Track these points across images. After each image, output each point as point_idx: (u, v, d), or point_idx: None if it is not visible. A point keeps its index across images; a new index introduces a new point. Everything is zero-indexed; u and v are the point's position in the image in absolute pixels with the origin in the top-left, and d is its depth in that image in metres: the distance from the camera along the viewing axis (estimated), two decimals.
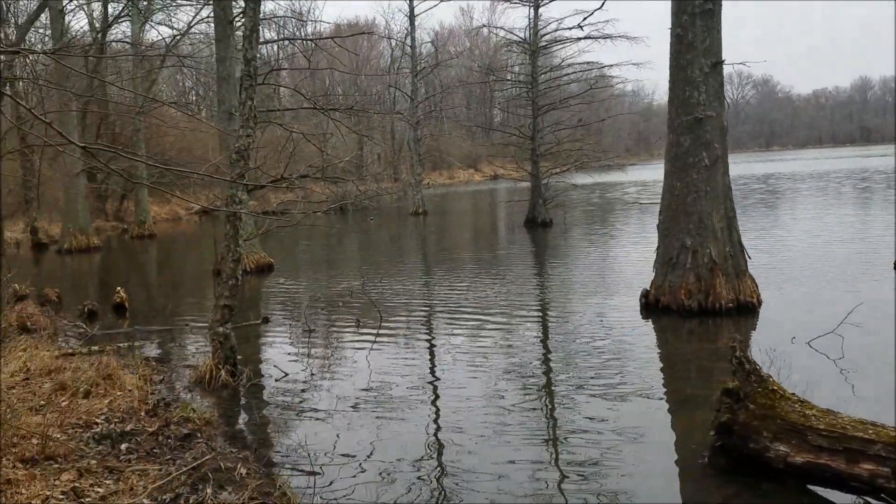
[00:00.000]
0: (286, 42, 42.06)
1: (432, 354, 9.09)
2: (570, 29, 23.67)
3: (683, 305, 10.09)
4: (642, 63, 25.10)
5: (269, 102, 31.10)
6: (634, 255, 16.12)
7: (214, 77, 37.97)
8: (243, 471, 4.66)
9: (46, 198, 27.59)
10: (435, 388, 7.63)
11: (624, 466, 5.40)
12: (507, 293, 12.69)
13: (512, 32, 26.16)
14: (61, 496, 4.53)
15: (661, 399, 7.04)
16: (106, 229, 30.68)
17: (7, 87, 10.97)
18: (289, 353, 9.58)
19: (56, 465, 5.06)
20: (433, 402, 7.18)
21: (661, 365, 8.27)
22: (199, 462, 4.77)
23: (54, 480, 4.78)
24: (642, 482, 5.16)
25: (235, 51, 16.26)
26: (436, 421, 6.62)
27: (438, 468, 5.54)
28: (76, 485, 4.69)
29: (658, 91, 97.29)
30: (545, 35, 24.16)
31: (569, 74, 25.65)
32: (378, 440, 6.08)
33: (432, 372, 8.22)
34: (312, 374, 8.39)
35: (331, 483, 5.18)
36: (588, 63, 25.85)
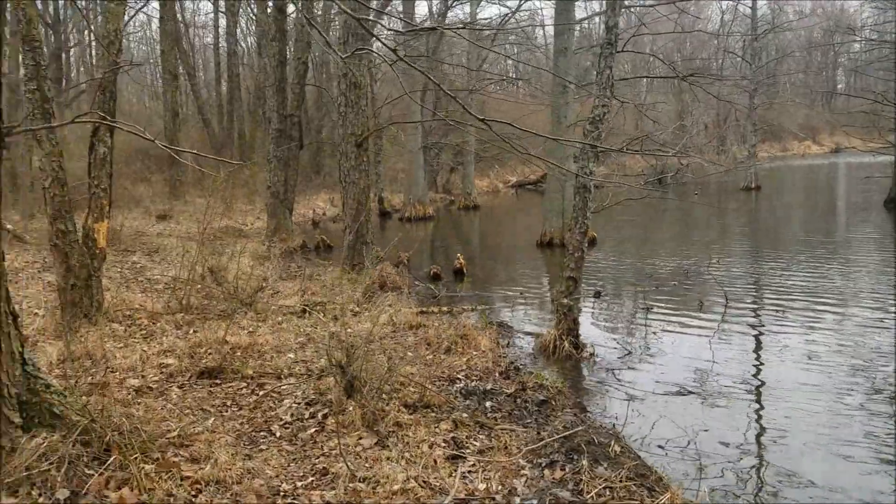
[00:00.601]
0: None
1: (770, 345, 8.23)
2: None
3: None
4: None
5: (589, 75, 30.86)
6: None
7: (537, 53, 38.97)
8: (617, 448, 4.52)
9: (388, 171, 30.98)
10: (771, 383, 6.94)
11: None
12: (866, 286, 10.99)
13: None
14: (443, 444, 4.84)
15: None
16: (436, 200, 33.45)
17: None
18: (624, 330, 9.37)
19: (433, 414, 5.45)
20: (771, 398, 6.51)
21: None
22: (570, 432, 4.76)
23: (434, 428, 5.15)
24: None
25: (572, 24, 16.35)
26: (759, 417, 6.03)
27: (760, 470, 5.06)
28: (454, 435, 4.99)
29: None
30: None
31: None
32: (708, 429, 5.75)
33: (768, 365, 7.50)
34: (652, 354, 8.06)
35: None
36: None
